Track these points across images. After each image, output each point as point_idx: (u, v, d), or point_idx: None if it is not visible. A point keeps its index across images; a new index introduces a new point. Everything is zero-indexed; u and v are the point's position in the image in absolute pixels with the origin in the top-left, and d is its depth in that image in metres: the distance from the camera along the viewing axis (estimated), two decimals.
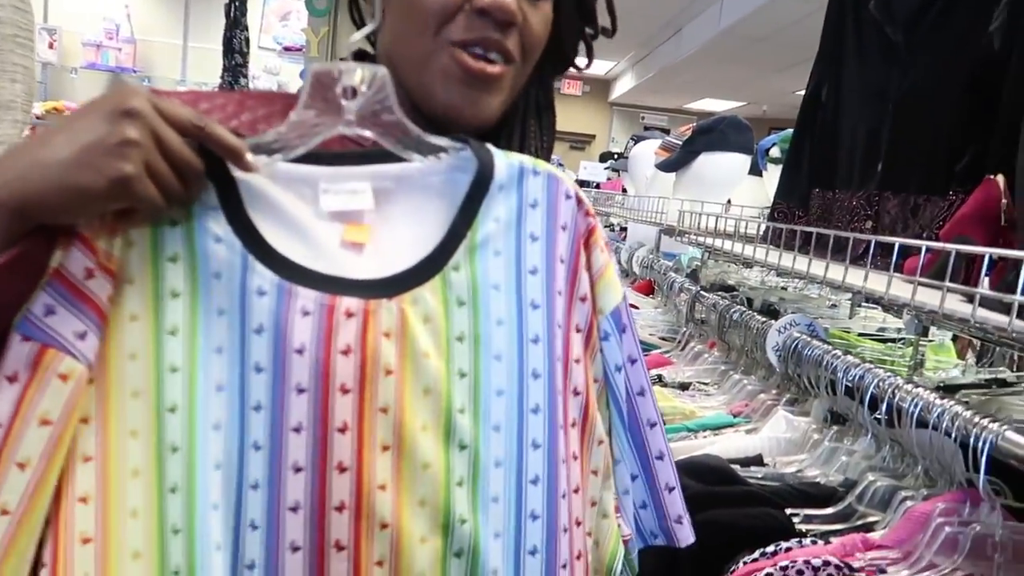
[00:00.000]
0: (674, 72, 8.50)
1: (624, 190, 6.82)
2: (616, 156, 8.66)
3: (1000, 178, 1.06)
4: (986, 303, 0.80)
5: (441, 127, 0.63)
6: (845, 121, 1.56)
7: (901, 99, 1.41)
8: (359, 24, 0.73)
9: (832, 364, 1.03)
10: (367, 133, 0.56)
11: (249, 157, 0.54)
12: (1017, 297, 0.72)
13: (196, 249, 0.53)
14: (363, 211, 0.57)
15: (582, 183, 7.69)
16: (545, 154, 0.73)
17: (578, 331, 0.62)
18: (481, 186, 0.60)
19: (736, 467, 0.96)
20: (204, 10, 6.09)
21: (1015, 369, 1.64)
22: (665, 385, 1.37)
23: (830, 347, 1.08)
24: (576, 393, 0.60)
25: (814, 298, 2.07)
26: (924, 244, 0.96)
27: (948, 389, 1.42)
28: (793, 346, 1.15)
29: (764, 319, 1.30)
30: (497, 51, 0.63)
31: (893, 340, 1.81)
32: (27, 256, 0.49)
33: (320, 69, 0.55)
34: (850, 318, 1.97)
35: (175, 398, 0.51)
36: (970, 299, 0.85)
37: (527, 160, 0.63)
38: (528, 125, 0.72)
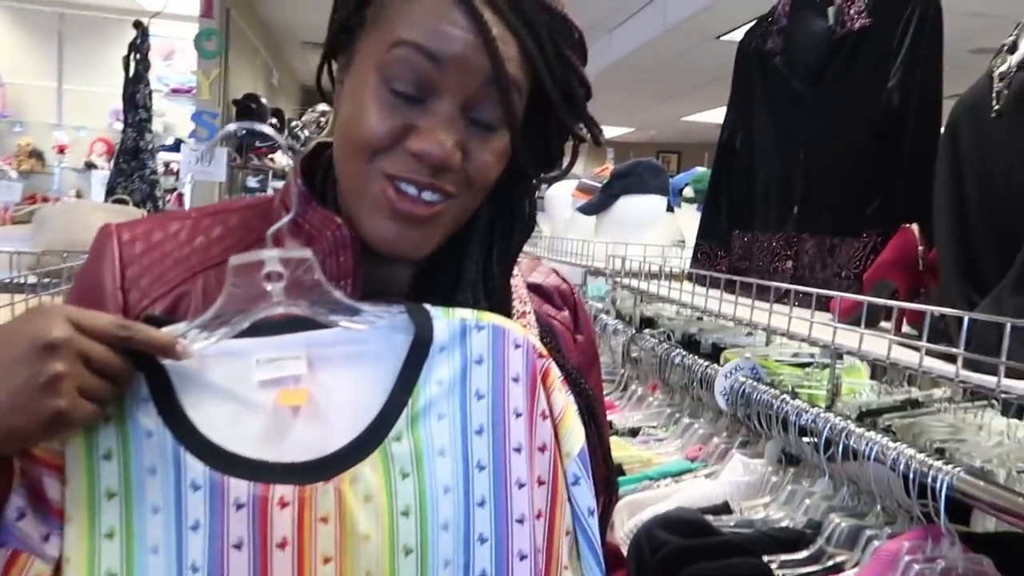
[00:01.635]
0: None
1: None
2: None
3: (915, 226, 1.17)
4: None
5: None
6: (760, 166, 1.66)
7: (811, 146, 1.52)
8: (327, 98, 0.71)
9: (783, 409, 1.09)
10: (296, 310, 0.56)
11: (181, 346, 0.53)
12: (958, 349, 0.80)
13: (129, 445, 0.53)
14: (299, 376, 0.56)
15: None
16: (504, 279, 0.70)
17: (541, 484, 0.60)
18: (420, 349, 0.58)
19: (708, 517, 1.00)
20: (79, 51, 5.79)
21: (909, 383, 1.79)
22: (616, 432, 1.41)
23: (777, 391, 1.15)
24: (537, 551, 0.58)
25: (731, 327, 2.18)
26: (839, 295, 1.05)
27: (870, 414, 1.54)
28: (741, 390, 1.22)
29: (707, 363, 1.36)
30: (431, 191, 0.61)
31: (809, 364, 1.93)
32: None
33: (240, 263, 0.55)
34: (767, 345, 2.08)
35: None
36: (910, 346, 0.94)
37: (469, 316, 0.61)
38: (486, 246, 0.68)
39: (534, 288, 0.78)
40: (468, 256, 0.67)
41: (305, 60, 7.74)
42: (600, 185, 2.29)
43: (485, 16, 0.59)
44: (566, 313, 0.80)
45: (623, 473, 1.24)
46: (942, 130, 1.11)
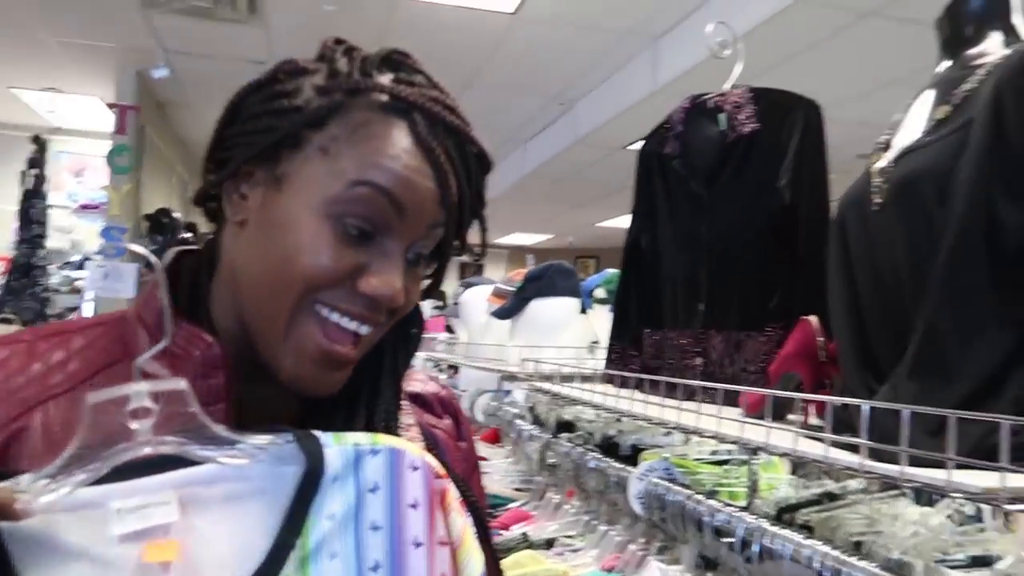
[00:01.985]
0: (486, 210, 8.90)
1: (448, 328, 6.90)
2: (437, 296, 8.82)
3: (814, 319, 1.18)
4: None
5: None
6: (665, 266, 1.68)
7: (712, 245, 1.55)
8: (211, 214, 0.67)
9: (697, 510, 1.06)
10: (166, 448, 0.49)
11: (21, 504, 0.45)
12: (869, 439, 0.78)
13: None
14: (169, 525, 0.49)
15: None
16: (397, 394, 0.68)
17: None
18: (311, 482, 0.53)
19: None
20: None
21: (826, 476, 1.78)
22: (532, 545, 1.34)
23: (691, 492, 1.11)
24: None
25: (649, 427, 2.16)
26: (747, 389, 1.05)
27: (788, 510, 1.51)
28: (655, 493, 1.17)
29: (621, 465, 1.32)
30: (369, 324, 0.60)
31: (727, 461, 1.91)
32: None
33: (100, 400, 0.48)
34: (685, 443, 2.06)
35: None
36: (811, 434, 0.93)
37: (363, 440, 0.57)
38: (379, 363, 0.66)
39: (414, 398, 0.75)
40: (363, 373, 0.65)
41: None
42: (514, 289, 2.30)
43: (445, 167, 0.60)
44: (448, 421, 0.76)
45: None
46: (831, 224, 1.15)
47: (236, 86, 0.63)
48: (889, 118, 1.10)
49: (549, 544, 1.35)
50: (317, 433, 0.55)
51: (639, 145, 1.75)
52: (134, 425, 0.48)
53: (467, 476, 0.70)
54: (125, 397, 0.48)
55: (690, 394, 1.38)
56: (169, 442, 0.49)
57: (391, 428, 0.63)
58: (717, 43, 1.67)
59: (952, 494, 0.65)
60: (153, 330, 0.60)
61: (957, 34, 1.05)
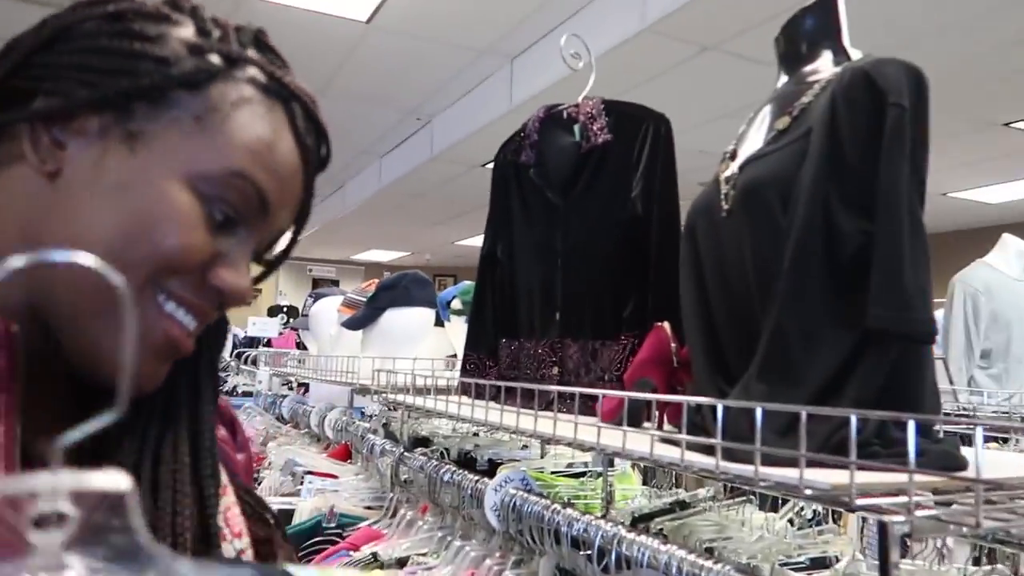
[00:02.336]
0: (340, 225, 8.70)
1: (299, 344, 6.62)
2: (285, 308, 8.46)
3: (666, 325, 1.19)
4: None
5: (84, 377, 0.50)
6: (521, 276, 1.66)
7: (567, 255, 1.55)
8: None
9: (555, 520, 1.03)
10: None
11: None
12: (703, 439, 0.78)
13: None
14: None
15: (251, 340, 7.33)
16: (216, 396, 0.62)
17: None
18: None
19: None
20: None
21: (676, 485, 1.83)
22: (382, 565, 1.27)
23: (548, 501, 1.09)
24: None
25: (506, 441, 2.14)
26: (602, 392, 1.04)
27: (642, 519, 1.53)
28: (512, 503, 1.14)
29: (477, 478, 1.27)
30: (202, 320, 0.54)
31: (583, 473, 1.92)
32: None
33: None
34: (542, 457, 2.06)
35: None
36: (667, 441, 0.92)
37: None
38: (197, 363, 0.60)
39: None
40: (180, 368, 0.57)
41: None
42: (365, 299, 2.21)
43: (313, 169, 0.57)
44: (223, 431, 0.68)
45: None
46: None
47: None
48: (724, 145, 1.14)
49: (401, 563, 1.28)
50: (290, 568, 0.40)
51: None
52: (37, 539, 0.29)
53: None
54: (29, 497, 0.28)
55: (547, 403, 1.36)
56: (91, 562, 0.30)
57: (212, 434, 0.56)
58: (571, 55, 1.69)
59: (805, 491, 0.65)
60: None
61: (793, 51, 1.09)
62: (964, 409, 2.26)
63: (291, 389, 3.63)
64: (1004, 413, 2.33)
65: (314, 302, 2.81)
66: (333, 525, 1.54)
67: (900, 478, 0.62)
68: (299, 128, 0.56)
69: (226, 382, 3.70)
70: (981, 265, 3.32)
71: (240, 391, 3.47)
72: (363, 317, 2.11)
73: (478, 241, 1.80)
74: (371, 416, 2.03)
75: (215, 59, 0.54)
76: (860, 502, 0.62)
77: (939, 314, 3.54)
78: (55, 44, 0.52)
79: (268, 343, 7.00)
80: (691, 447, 0.83)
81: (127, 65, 0.51)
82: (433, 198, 7.25)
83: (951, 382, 2.23)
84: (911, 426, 0.60)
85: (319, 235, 9.44)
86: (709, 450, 0.79)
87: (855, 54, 1.06)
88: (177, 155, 0.51)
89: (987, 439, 1.77)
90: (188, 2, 0.57)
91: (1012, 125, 4.82)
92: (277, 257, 0.64)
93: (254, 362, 3.63)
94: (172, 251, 0.50)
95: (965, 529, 0.60)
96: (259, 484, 2.01)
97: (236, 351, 6.09)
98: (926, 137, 0.90)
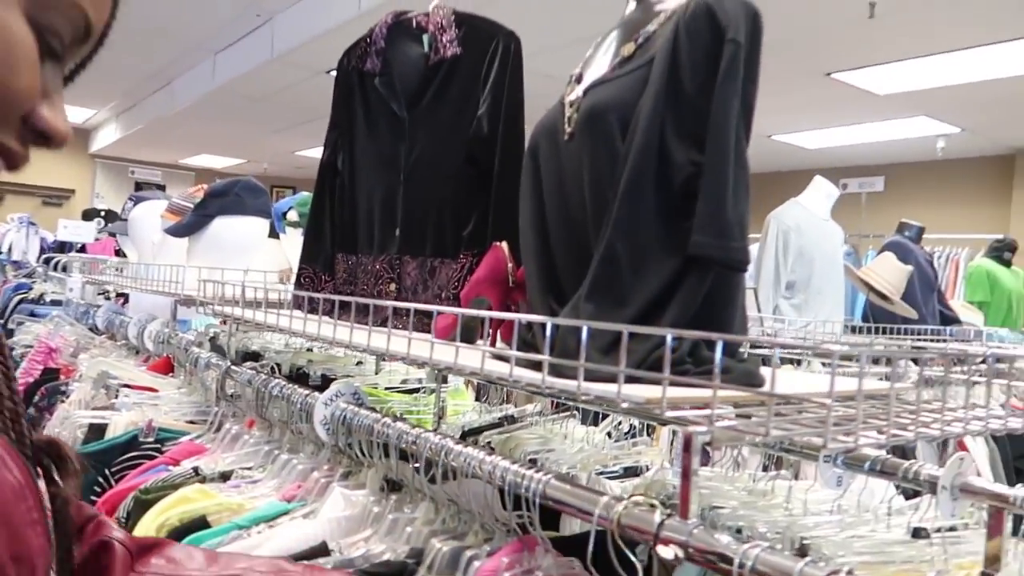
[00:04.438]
0: (167, 125, 8.04)
1: (118, 252, 6.14)
2: (103, 213, 7.79)
3: (504, 244, 1.20)
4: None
5: None
6: (362, 189, 1.62)
7: (410, 170, 1.52)
8: None
9: (384, 432, 1.03)
10: None
11: None
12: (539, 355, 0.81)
13: None
14: None
15: (63, 244, 6.73)
16: None
17: None
18: None
19: (303, 563, 0.89)
20: None
21: (505, 400, 1.90)
22: (204, 479, 1.23)
23: (379, 415, 1.09)
24: None
25: (341, 357, 2.11)
26: (436, 308, 1.04)
27: (472, 432, 1.57)
28: (342, 417, 1.13)
29: (307, 391, 1.25)
30: (12, 171, 0.48)
31: (417, 390, 1.94)
32: None
33: None
34: (376, 374, 2.05)
35: None
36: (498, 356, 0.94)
37: None
38: None
39: None
40: None
41: None
42: (192, 205, 2.07)
43: None
44: None
45: (208, 525, 1.06)
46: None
47: None
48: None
49: (224, 477, 1.24)
50: None
51: None
52: None
53: None
54: None
55: (383, 319, 1.35)
56: None
57: None
58: None
59: (622, 404, 0.68)
60: None
61: None
62: (767, 334, 2.48)
63: (107, 299, 3.37)
64: (801, 339, 2.59)
65: (134, 205, 2.59)
66: (151, 440, 1.47)
67: (706, 393, 0.66)
68: None
69: (31, 289, 3.38)
70: (794, 204, 3.60)
71: (48, 299, 3.18)
72: (190, 224, 1.97)
73: (319, 152, 1.71)
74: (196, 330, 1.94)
75: None
76: (669, 414, 0.67)
77: (754, 248, 3.84)
78: None
79: (82, 248, 6.45)
80: (520, 363, 0.85)
81: None
82: (273, 103, 6.84)
83: (759, 309, 2.44)
84: (719, 346, 0.64)
85: (143, 134, 8.69)
86: (537, 366, 0.82)
87: None
88: None
89: (783, 360, 1.95)
90: None
91: (833, 75, 5.20)
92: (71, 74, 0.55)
93: (65, 268, 3.33)
94: (12, 95, 0.44)
95: (758, 438, 0.66)
96: (67, 398, 1.88)
97: (44, 256, 5.56)
98: (756, 75, 0.95)
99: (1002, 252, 5.87)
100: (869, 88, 5.40)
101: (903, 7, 3.87)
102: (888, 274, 3.21)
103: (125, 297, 3.30)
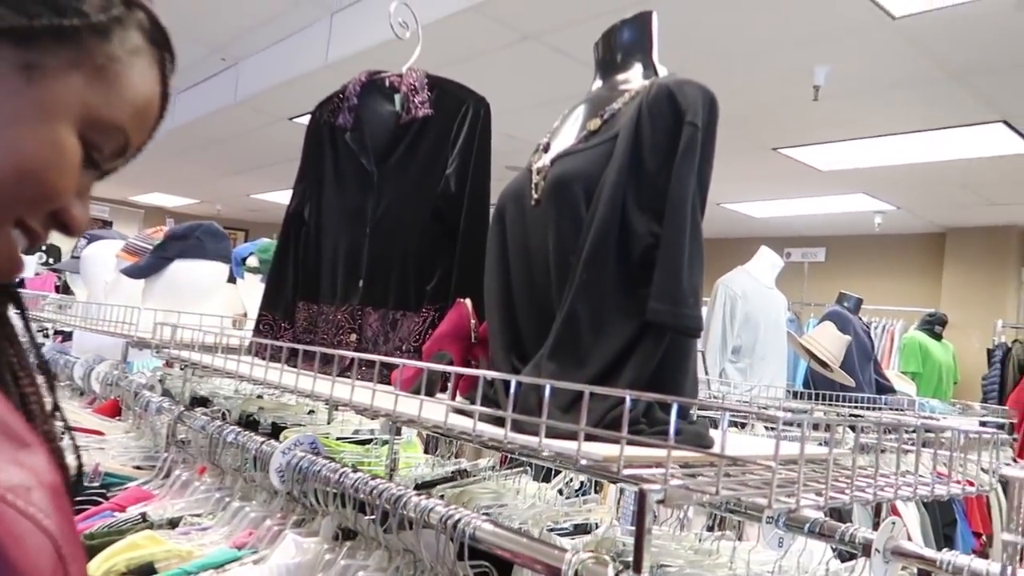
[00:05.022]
0: None
1: (58, 288, 5.97)
2: (44, 247, 7.58)
3: (468, 301, 1.24)
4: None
5: None
6: (327, 239, 1.64)
7: (376, 223, 1.56)
8: None
9: (342, 481, 1.05)
10: None
11: None
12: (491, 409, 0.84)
13: None
14: None
15: None
16: None
17: None
18: None
19: None
20: None
21: (456, 455, 1.92)
22: (152, 525, 1.21)
23: (336, 464, 1.10)
24: None
25: (292, 405, 2.10)
26: (402, 362, 1.07)
27: (425, 486, 1.58)
28: (298, 465, 1.14)
29: (263, 439, 1.26)
30: (33, 247, 0.55)
31: (369, 441, 1.94)
32: None
33: None
34: (328, 423, 2.05)
35: None
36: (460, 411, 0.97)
37: None
38: None
39: None
40: None
41: None
42: (151, 246, 2.06)
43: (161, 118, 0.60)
44: None
45: (155, 572, 1.05)
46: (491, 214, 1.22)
47: None
48: (535, 136, 1.21)
49: (173, 524, 1.23)
50: None
51: (304, 119, 1.69)
52: None
53: None
54: None
55: (343, 369, 1.36)
56: None
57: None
58: (399, 23, 1.68)
59: (581, 461, 0.72)
60: None
61: (610, 59, 1.18)
62: (715, 396, 2.55)
63: (47, 337, 3.28)
64: (745, 402, 2.67)
65: (88, 243, 2.56)
66: (96, 484, 1.44)
67: (659, 452, 0.71)
68: (167, 80, 0.59)
69: None
70: (741, 271, 3.74)
71: None
72: (148, 266, 1.97)
73: (275, 196, 1.75)
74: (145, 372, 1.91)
75: (118, 7, 0.55)
76: (626, 472, 0.70)
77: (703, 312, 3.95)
78: None
79: (21, 283, 6.27)
80: (483, 418, 0.88)
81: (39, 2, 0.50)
82: (232, 146, 6.83)
83: (706, 372, 2.51)
84: (674, 408, 0.69)
85: None
86: (499, 422, 0.85)
87: (662, 70, 1.16)
88: (72, 96, 0.52)
89: (730, 423, 2.01)
90: None
91: (779, 150, 5.45)
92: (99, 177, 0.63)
93: None
94: (52, 195, 0.52)
95: (706, 497, 0.70)
96: None
97: None
98: (712, 155, 1.02)
99: (933, 325, 6.14)
100: (813, 164, 5.66)
101: (845, 93, 4.11)
102: (828, 343, 3.33)
103: (64, 335, 3.21)
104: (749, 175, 6.14)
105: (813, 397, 3.05)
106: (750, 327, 3.49)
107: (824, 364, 3.32)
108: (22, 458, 0.44)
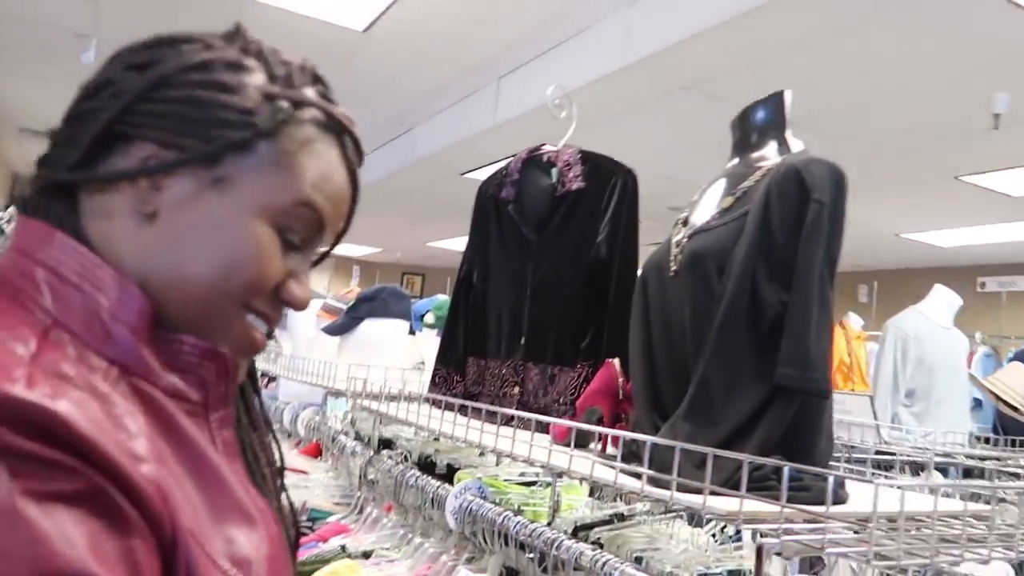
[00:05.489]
0: None
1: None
2: None
3: (616, 361, 1.37)
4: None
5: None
6: (492, 301, 1.83)
7: (536, 286, 1.72)
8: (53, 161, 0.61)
9: (506, 524, 1.19)
10: None
11: None
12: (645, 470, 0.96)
13: None
14: None
15: None
16: None
17: None
18: None
19: None
20: None
21: (617, 497, 2.00)
22: (350, 556, 1.42)
23: (501, 509, 1.25)
24: None
25: (464, 448, 2.30)
26: (554, 421, 1.20)
27: (583, 528, 1.70)
28: (468, 508, 1.30)
29: (439, 483, 1.43)
30: (272, 327, 0.66)
31: (534, 483, 2.08)
32: None
33: None
34: (497, 465, 2.22)
35: None
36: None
37: None
38: None
39: None
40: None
41: (21, 146, 7.05)
42: (345, 307, 2.36)
43: (358, 190, 0.68)
44: None
45: None
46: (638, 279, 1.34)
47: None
48: (693, 177, 1.30)
49: (366, 555, 1.43)
50: None
51: (474, 174, 1.89)
52: None
53: None
54: None
55: (507, 420, 1.53)
56: None
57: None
58: (555, 104, 1.86)
59: (706, 515, 0.82)
60: (78, 283, 0.56)
61: (744, 138, 1.27)
62: (885, 443, 2.47)
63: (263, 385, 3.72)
64: (922, 448, 2.55)
65: None
66: (304, 519, 1.69)
67: (775, 508, 0.79)
68: (349, 157, 0.66)
69: None
70: (913, 312, 3.56)
71: None
72: (343, 325, 2.26)
73: (448, 243, 1.95)
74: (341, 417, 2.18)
75: (284, 104, 0.62)
76: (746, 526, 0.80)
77: (875, 348, 3.78)
78: (153, 91, 0.59)
79: None
80: (624, 472, 1.00)
81: (217, 117, 0.59)
82: (409, 200, 7.39)
83: (875, 417, 2.44)
84: (785, 471, 0.77)
85: None
86: (638, 475, 0.96)
87: (797, 145, 1.23)
88: (258, 195, 0.60)
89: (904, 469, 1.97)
90: (255, 45, 0.65)
91: (960, 178, 5.12)
92: (319, 259, 0.73)
93: None
94: (259, 280, 0.61)
95: (834, 549, 0.78)
96: None
97: None
98: (841, 228, 1.08)
99: None
100: (1001, 190, 5.26)
101: None
102: (1018, 384, 3.10)
103: (271, 379, 3.65)
104: (930, 203, 5.80)
105: (1004, 443, 2.85)
106: (924, 369, 3.31)
107: (1014, 407, 3.09)
108: (248, 534, 0.58)
